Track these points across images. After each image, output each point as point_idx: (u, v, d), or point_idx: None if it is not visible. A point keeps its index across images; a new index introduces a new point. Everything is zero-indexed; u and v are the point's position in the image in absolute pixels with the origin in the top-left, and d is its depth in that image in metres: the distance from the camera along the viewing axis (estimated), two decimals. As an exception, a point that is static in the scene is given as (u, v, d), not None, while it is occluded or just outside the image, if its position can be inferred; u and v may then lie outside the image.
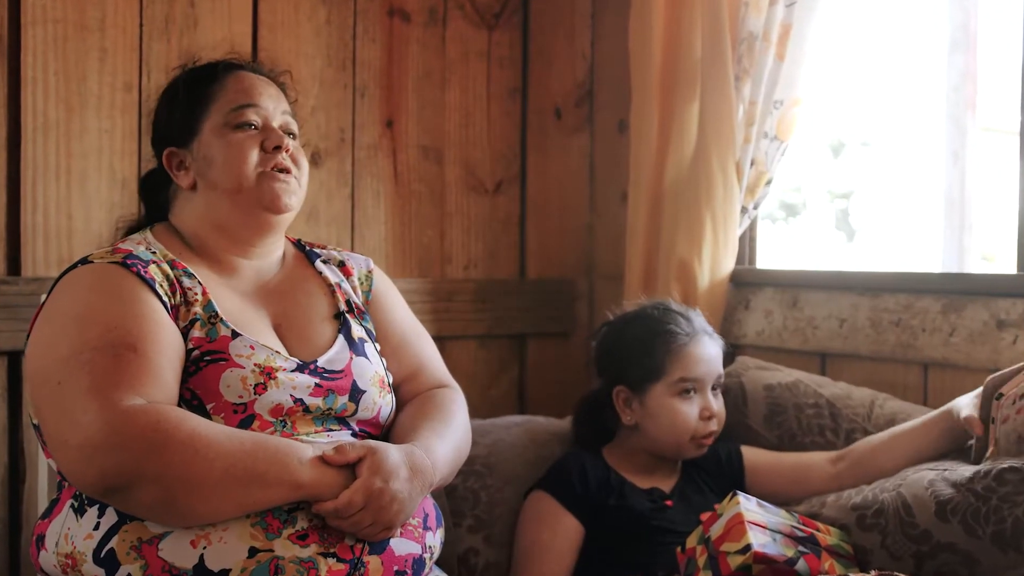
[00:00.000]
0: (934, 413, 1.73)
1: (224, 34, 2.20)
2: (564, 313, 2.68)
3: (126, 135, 2.11)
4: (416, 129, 2.47)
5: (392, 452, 1.40)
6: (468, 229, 2.55)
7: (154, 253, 1.47)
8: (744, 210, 2.23)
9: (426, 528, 1.47)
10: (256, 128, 1.53)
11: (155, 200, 1.62)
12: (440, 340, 2.03)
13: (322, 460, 1.35)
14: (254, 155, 1.51)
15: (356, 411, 1.51)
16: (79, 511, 1.34)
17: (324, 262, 1.66)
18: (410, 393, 1.66)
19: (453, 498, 1.92)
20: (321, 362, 1.50)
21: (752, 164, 2.19)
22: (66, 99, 2.04)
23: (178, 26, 2.15)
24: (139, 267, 1.41)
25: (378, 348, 1.62)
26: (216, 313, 1.44)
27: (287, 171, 1.53)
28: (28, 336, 1.44)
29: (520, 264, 2.65)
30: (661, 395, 1.82)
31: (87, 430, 1.25)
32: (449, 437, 1.55)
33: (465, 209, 2.55)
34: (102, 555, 1.29)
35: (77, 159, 2.06)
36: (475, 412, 2.19)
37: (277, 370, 1.42)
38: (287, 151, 1.53)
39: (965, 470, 1.57)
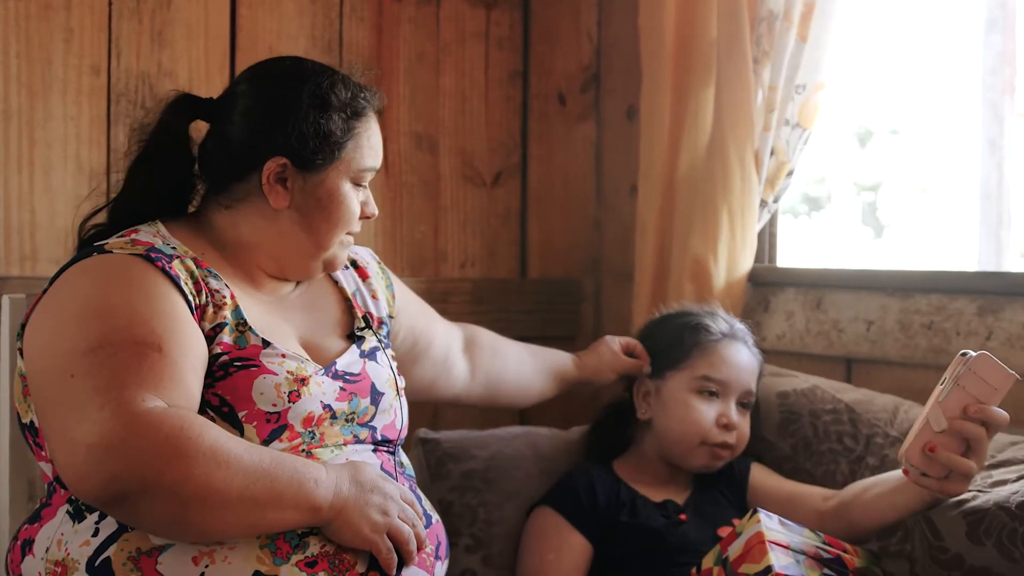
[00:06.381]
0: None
1: (200, 13, 2.20)
2: (568, 315, 2.68)
3: (94, 122, 2.11)
4: (408, 116, 2.47)
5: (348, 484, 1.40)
6: (464, 224, 2.55)
7: (173, 248, 1.46)
8: (763, 204, 2.23)
9: (437, 557, 1.50)
10: (363, 188, 1.58)
11: (177, 196, 1.58)
12: (434, 344, 2.03)
13: None
14: (355, 221, 1.58)
15: (376, 414, 1.54)
16: (76, 517, 1.34)
17: None
18: (455, 354, 1.89)
19: (449, 515, 1.91)
20: (340, 365, 1.53)
21: (772, 154, 2.19)
22: (28, 83, 2.05)
23: (150, 5, 2.15)
24: (163, 262, 1.40)
25: (390, 354, 1.66)
26: (244, 321, 1.44)
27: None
28: (23, 327, 1.42)
29: (521, 262, 2.65)
30: (679, 387, 1.85)
31: (101, 429, 1.22)
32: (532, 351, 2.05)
33: (461, 203, 2.55)
34: (96, 564, 1.29)
35: (41, 148, 2.06)
36: (472, 422, 2.19)
37: (309, 378, 1.44)
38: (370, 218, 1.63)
39: (1001, 488, 1.56)
